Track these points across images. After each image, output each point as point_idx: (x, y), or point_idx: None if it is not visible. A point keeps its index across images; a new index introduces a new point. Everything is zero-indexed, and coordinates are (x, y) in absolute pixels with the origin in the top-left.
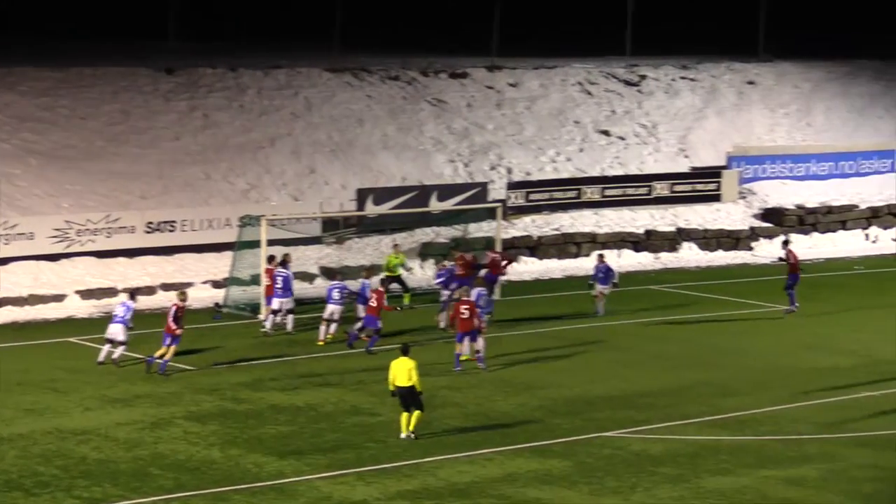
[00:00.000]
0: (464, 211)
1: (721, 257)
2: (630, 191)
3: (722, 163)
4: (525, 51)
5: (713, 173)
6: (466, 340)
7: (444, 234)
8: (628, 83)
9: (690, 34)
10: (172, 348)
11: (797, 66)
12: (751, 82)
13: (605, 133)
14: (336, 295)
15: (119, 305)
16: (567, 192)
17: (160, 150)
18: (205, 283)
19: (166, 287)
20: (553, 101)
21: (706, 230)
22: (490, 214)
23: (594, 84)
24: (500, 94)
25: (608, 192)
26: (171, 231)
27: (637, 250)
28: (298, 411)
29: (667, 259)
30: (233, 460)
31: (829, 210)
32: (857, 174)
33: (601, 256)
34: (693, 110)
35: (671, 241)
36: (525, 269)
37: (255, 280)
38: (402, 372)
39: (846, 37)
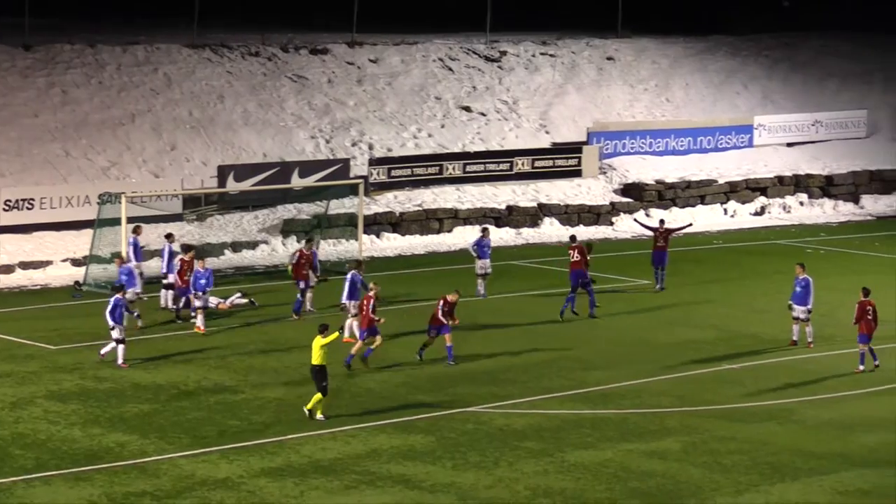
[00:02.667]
0: (326, 187)
1: (582, 232)
2: (491, 167)
3: (582, 138)
4: (386, 27)
5: (574, 149)
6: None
7: (306, 210)
8: (489, 59)
9: (550, 10)
10: (379, 339)
11: (656, 42)
12: (610, 58)
13: (467, 109)
14: (203, 282)
15: None
16: (429, 169)
17: (19, 126)
18: (64, 261)
19: (25, 265)
20: (414, 77)
21: (567, 205)
22: (352, 191)
23: (455, 60)
24: (361, 71)
25: (470, 168)
26: (29, 209)
27: (499, 226)
28: (160, 389)
29: (528, 234)
30: (94, 439)
31: (689, 185)
32: (716, 149)
33: (485, 230)
34: (553, 86)
35: (533, 216)
36: (387, 245)
37: (115, 257)
38: (315, 350)
39: (703, 13)
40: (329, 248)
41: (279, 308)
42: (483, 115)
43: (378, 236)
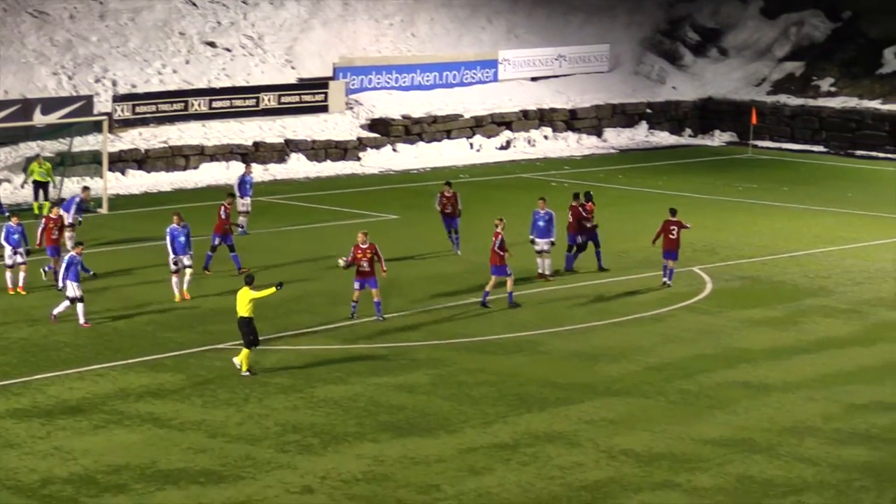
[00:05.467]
0: (69, 125)
1: (329, 168)
2: (237, 102)
3: (328, 74)
4: None
5: (320, 84)
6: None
7: (49, 148)
8: None
9: None
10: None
11: None
12: None
13: (212, 45)
14: (16, 238)
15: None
16: (174, 105)
17: None
18: None
19: None
20: (157, 12)
21: (314, 141)
22: (96, 128)
23: None
24: (104, 6)
25: (216, 104)
26: None
27: (245, 162)
28: None
29: (275, 170)
30: None
31: (435, 120)
32: (461, 84)
33: (248, 167)
34: (299, 21)
35: (279, 152)
36: (133, 182)
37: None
38: (242, 302)
39: None
40: (73, 187)
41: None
42: (228, 50)
43: (123, 173)
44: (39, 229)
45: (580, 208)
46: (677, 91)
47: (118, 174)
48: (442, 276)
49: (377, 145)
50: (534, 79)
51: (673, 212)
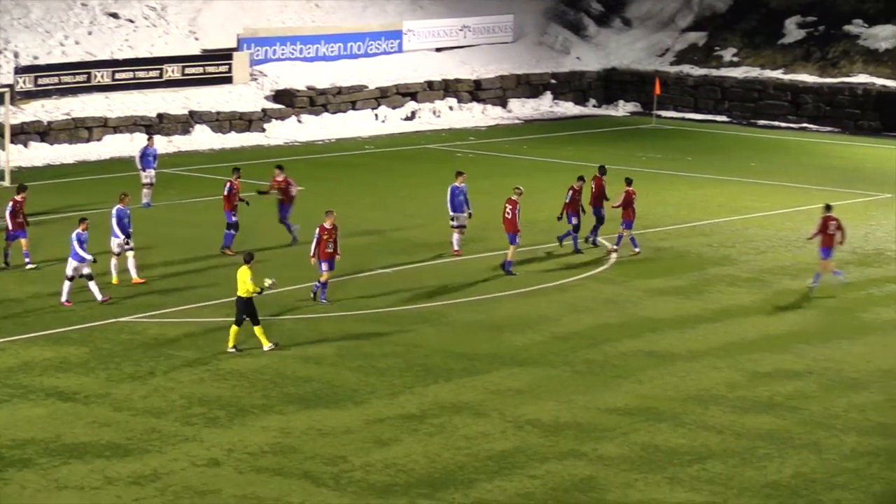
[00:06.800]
0: None
1: (234, 139)
2: (141, 74)
3: (232, 45)
4: None
5: (224, 55)
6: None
7: None
8: None
9: None
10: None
11: None
12: None
13: (114, 16)
14: None
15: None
16: (77, 76)
17: None
18: None
19: None
20: None
21: (218, 112)
22: None
23: None
24: None
25: (119, 76)
26: None
27: (149, 134)
28: None
29: (180, 142)
30: None
31: (340, 91)
32: (366, 55)
33: (150, 139)
34: None
35: (184, 123)
36: (35, 154)
37: None
38: (241, 281)
39: None
40: None
41: None
42: (131, 21)
43: (26, 146)
44: (8, 212)
45: (601, 181)
46: (581, 61)
47: (20, 146)
48: (348, 247)
49: (282, 116)
50: (438, 49)
51: (629, 181)
